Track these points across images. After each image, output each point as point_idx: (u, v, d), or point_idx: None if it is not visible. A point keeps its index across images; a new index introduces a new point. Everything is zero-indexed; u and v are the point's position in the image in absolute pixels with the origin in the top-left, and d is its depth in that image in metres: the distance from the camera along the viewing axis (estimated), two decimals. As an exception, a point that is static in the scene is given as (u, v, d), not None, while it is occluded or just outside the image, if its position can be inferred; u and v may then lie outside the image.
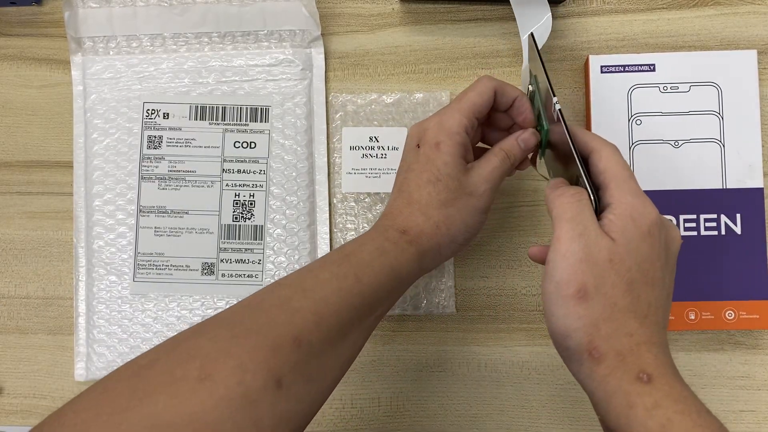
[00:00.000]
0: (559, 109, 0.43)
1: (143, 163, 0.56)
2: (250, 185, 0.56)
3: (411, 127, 0.47)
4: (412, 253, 0.42)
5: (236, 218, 0.56)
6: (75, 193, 0.57)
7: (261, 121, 0.56)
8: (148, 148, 0.56)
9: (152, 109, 0.56)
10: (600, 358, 0.35)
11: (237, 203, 0.56)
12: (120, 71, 0.57)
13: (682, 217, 0.53)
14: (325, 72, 0.57)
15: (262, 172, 0.56)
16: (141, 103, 0.57)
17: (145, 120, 0.56)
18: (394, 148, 0.55)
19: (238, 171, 0.56)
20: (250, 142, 0.56)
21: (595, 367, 0.35)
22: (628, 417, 0.33)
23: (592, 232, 0.37)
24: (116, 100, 0.57)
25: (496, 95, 0.46)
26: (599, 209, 0.39)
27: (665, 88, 0.54)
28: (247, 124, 0.56)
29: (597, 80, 0.54)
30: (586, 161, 0.42)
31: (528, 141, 0.46)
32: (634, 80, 0.54)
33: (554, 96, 0.44)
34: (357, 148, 0.55)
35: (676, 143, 0.53)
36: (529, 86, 0.49)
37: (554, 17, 0.57)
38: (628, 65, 0.54)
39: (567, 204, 0.38)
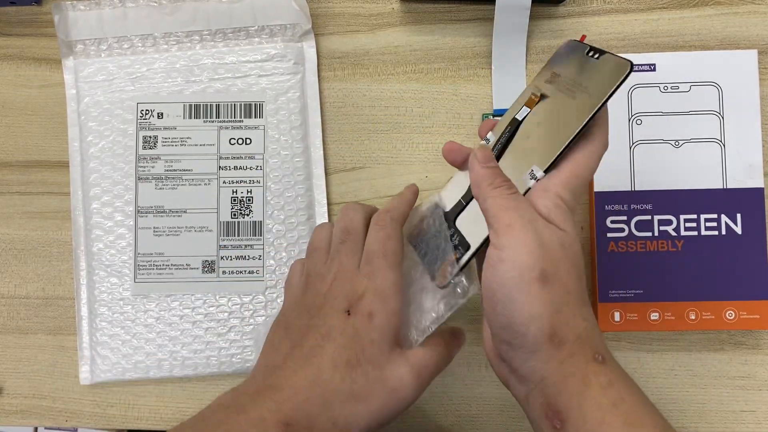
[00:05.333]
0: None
1: (139, 164, 0.56)
2: (248, 181, 0.56)
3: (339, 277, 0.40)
4: None
5: (235, 215, 0.56)
6: (72, 196, 0.57)
7: (255, 117, 0.56)
8: (144, 148, 0.56)
9: (146, 110, 0.56)
10: (560, 343, 0.34)
11: (235, 200, 0.56)
12: (112, 73, 0.57)
13: (682, 217, 0.53)
14: (319, 68, 0.57)
15: (259, 168, 0.56)
16: (135, 103, 0.56)
17: (139, 120, 0.56)
18: None
19: (235, 168, 0.56)
20: (246, 139, 0.56)
21: (554, 351, 0.34)
22: (582, 395, 0.33)
23: (540, 221, 0.35)
24: (110, 102, 0.56)
25: None
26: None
27: (665, 88, 0.53)
28: (242, 121, 0.56)
29: (597, 80, 0.54)
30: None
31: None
32: (634, 80, 0.53)
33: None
34: None
35: (677, 143, 0.53)
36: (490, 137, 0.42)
37: (554, 17, 0.57)
38: (628, 65, 0.54)
39: (507, 195, 0.36)
